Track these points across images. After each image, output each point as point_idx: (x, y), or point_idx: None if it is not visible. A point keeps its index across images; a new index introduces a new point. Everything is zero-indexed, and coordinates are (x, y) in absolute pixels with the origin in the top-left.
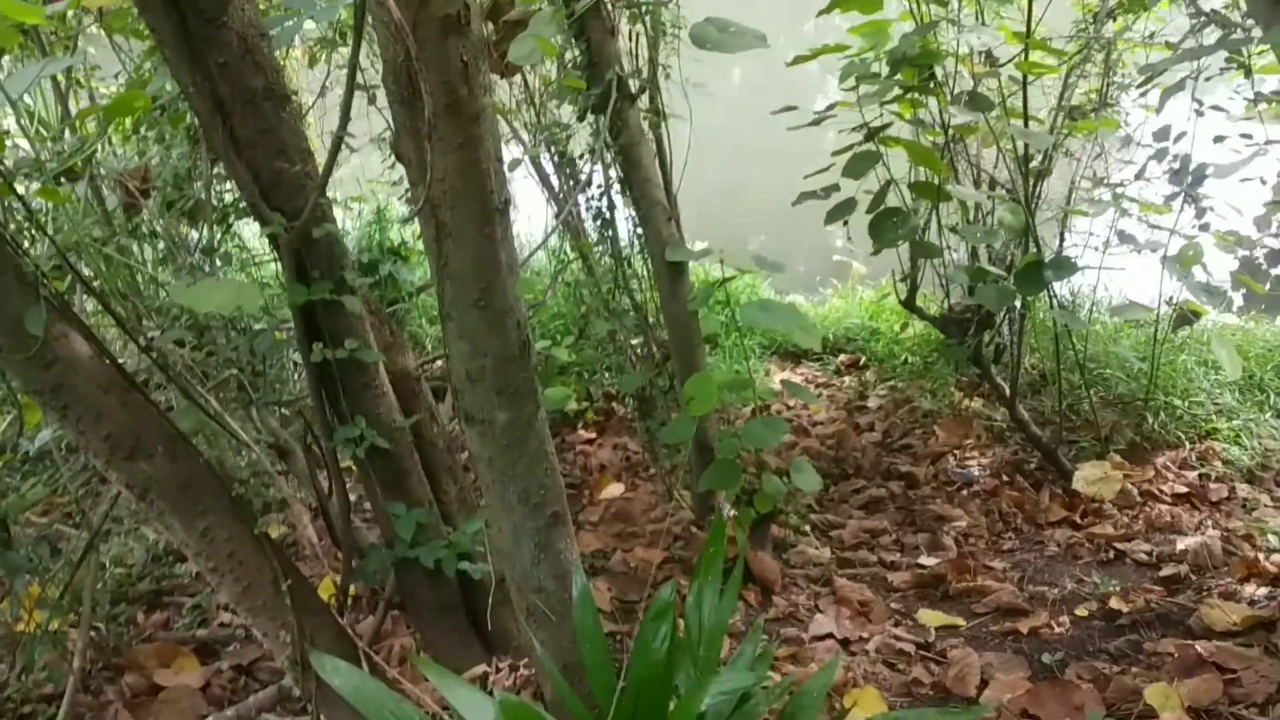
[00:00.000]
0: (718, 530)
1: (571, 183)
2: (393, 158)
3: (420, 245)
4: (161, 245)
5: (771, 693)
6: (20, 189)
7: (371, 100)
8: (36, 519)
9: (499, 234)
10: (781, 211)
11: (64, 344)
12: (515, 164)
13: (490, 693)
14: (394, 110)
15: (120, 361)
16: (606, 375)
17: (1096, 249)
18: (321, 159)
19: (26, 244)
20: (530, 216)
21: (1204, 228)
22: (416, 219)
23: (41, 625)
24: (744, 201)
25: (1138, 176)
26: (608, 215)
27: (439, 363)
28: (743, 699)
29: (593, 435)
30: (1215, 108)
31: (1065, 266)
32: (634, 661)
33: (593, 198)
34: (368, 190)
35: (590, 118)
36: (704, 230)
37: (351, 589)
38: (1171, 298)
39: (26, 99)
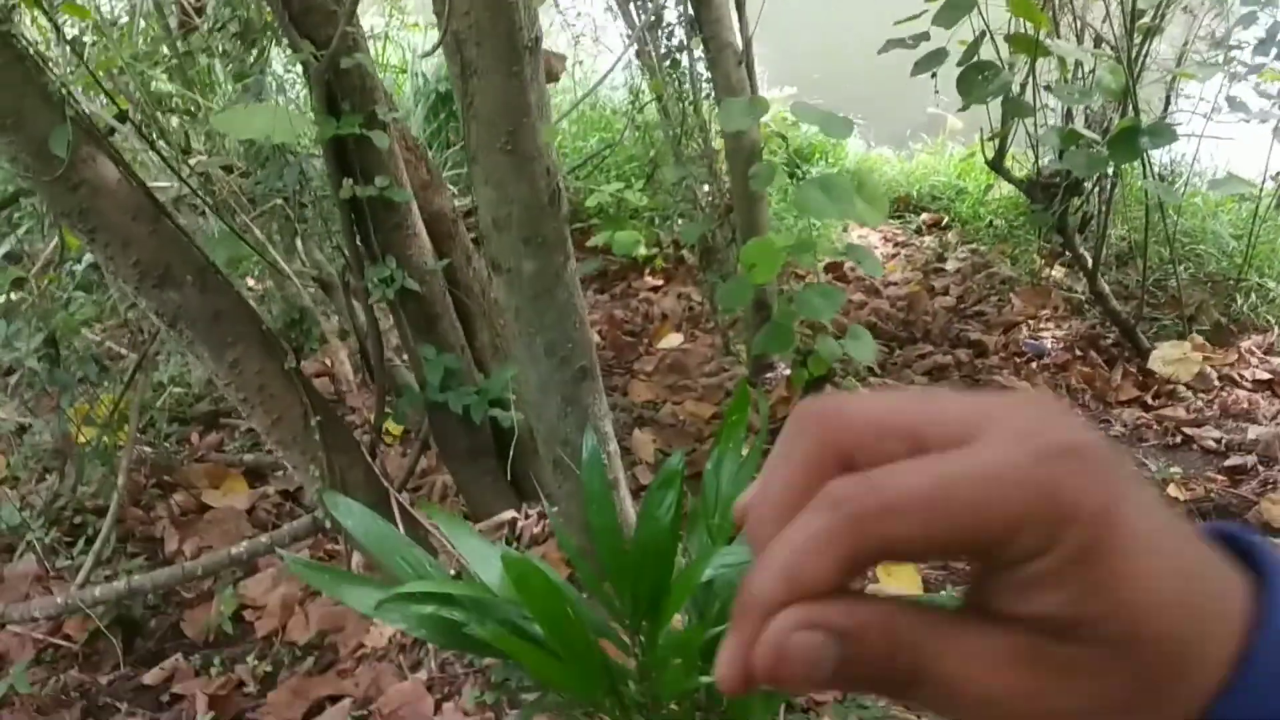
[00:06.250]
0: (741, 398)
1: (649, 19)
2: None
3: None
4: (207, 66)
5: None
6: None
7: None
8: (92, 336)
9: (528, 74)
10: (874, 57)
11: (90, 167)
12: None
13: (519, 538)
14: None
15: (167, 187)
16: (679, 221)
17: (1205, 116)
18: None
19: (57, 64)
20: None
21: None
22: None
23: (91, 441)
24: (833, 48)
25: (1262, 42)
26: (677, 56)
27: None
28: None
29: (659, 283)
30: None
31: (1162, 133)
32: (638, 529)
33: (668, 37)
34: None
35: None
36: (790, 74)
37: (400, 427)
38: (1279, 173)
39: None
